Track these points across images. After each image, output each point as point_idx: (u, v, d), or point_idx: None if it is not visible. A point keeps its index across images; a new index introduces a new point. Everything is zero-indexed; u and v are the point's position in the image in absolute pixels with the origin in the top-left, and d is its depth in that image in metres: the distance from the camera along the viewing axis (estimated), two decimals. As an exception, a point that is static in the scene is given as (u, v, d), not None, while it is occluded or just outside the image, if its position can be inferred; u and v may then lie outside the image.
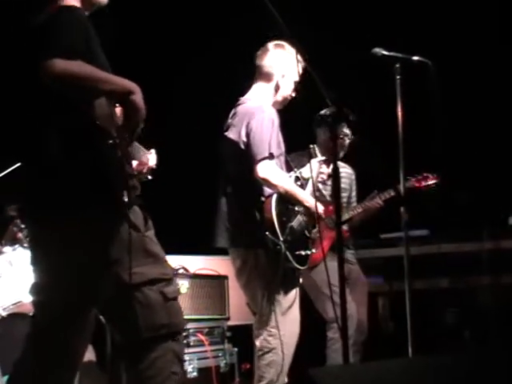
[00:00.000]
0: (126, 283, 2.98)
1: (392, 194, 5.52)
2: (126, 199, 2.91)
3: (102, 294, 3.07)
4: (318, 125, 5.60)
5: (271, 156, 4.21)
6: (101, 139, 2.89)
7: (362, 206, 5.64)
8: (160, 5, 6.84)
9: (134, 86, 3.01)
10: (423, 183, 5.54)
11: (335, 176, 3.34)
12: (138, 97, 3.00)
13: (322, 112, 5.56)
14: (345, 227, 5.47)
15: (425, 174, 5.56)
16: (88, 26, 3.04)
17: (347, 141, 5.54)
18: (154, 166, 3.72)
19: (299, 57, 3.85)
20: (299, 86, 4.40)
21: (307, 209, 4.29)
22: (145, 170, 3.66)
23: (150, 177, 3.76)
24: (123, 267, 2.98)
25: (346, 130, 5.50)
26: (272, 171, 4.17)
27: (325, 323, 5.37)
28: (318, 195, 4.51)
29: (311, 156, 4.76)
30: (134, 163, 3.46)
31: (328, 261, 4.58)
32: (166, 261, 3.19)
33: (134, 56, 6.90)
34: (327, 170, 4.54)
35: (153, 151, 3.77)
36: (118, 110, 3.06)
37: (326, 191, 5.41)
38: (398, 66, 4.11)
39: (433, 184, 5.57)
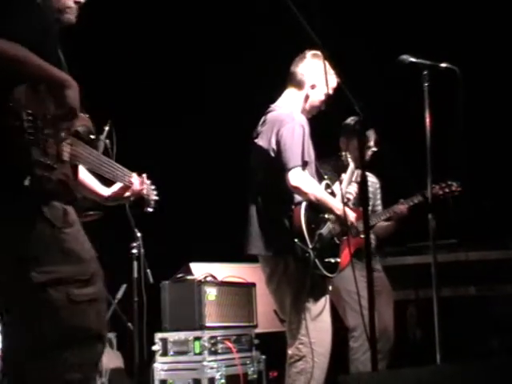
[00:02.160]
0: (31, 282, 2.81)
1: (417, 200, 5.51)
2: (27, 183, 2.73)
3: (8, 292, 2.92)
4: (344, 133, 5.60)
5: (304, 164, 4.23)
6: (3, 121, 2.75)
7: (385, 213, 5.64)
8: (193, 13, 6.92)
9: (70, 81, 2.89)
10: (447, 190, 5.52)
11: (363, 184, 3.35)
12: (72, 92, 2.87)
13: (348, 120, 5.56)
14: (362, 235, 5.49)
15: (449, 182, 5.55)
16: (48, 20, 2.97)
17: (369, 152, 5.54)
18: (142, 191, 3.65)
19: (330, 69, 3.86)
20: (330, 101, 4.41)
21: (338, 216, 4.29)
22: (128, 194, 3.57)
23: (150, 209, 3.75)
24: (31, 265, 2.82)
25: (370, 143, 5.51)
26: (303, 179, 4.18)
27: (348, 330, 5.36)
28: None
29: (343, 163, 4.77)
30: (117, 186, 3.51)
31: (350, 269, 4.61)
32: (88, 260, 2.94)
33: (167, 60, 6.98)
34: (355, 189, 4.53)
35: (144, 176, 3.70)
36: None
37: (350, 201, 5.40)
38: (425, 73, 4.10)
39: (456, 192, 5.55)
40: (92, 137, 3.13)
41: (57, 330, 2.83)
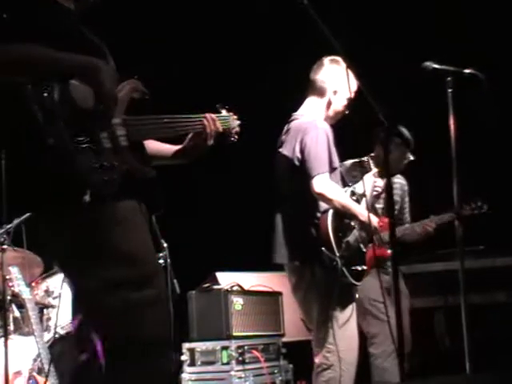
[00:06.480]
0: (85, 287, 2.69)
1: (446, 219, 5.45)
2: (88, 199, 2.56)
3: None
4: (375, 139, 5.56)
5: (330, 170, 4.23)
6: (41, 137, 2.56)
7: (411, 228, 5.58)
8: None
9: (96, 64, 2.70)
10: (476, 212, 5.49)
11: (388, 193, 3.34)
12: (104, 75, 2.69)
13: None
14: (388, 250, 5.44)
15: (479, 203, 5.50)
16: (50, 9, 2.76)
17: (405, 161, 5.52)
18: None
19: (351, 73, 3.84)
20: (352, 103, 4.40)
21: (362, 223, 4.28)
22: (204, 139, 3.20)
23: (233, 139, 3.39)
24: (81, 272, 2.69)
25: (409, 155, 5.47)
26: (328, 186, 4.17)
27: (365, 338, 5.31)
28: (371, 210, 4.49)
29: (365, 169, 4.75)
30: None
31: (371, 277, 4.59)
32: (141, 260, 2.71)
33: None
34: (382, 182, 4.52)
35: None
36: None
37: (379, 205, 5.37)
38: (449, 79, 4.07)
39: (486, 212, 5.52)
40: (147, 97, 2.92)
41: (114, 338, 2.66)
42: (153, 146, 3.11)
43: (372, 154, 4.94)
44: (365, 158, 4.92)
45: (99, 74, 2.68)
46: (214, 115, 3.26)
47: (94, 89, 2.68)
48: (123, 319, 2.64)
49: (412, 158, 5.49)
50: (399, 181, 5.70)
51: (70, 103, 2.64)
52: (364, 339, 5.19)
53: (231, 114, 3.41)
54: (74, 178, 2.58)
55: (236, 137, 3.41)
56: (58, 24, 2.74)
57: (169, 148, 3.25)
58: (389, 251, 5.00)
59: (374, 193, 4.53)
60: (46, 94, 2.60)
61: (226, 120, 3.35)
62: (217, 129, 3.23)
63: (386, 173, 3.40)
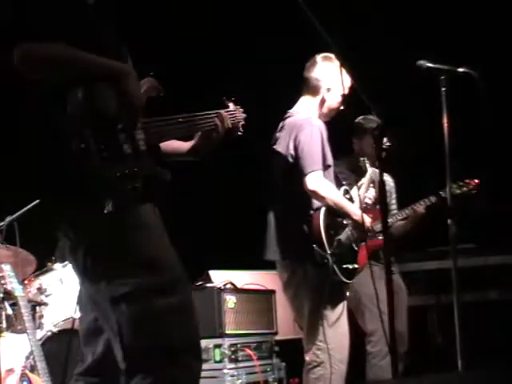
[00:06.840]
0: (110, 293, 2.65)
1: (434, 200, 5.48)
2: (112, 208, 2.56)
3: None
4: (356, 133, 5.58)
5: (326, 167, 4.23)
6: (65, 142, 2.56)
7: (402, 214, 5.60)
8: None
9: (123, 69, 2.69)
10: (465, 189, 5.50)
11: (381, 190, 3.34)
12: (127, 80, 2.67)
13: (359, 119, 5.52)
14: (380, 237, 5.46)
15: (466, 181, 5.52)
16: (75, 4, 2.69)
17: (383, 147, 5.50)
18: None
19: (344, 70, 3.84)
20: (347, 99, 4.40)
21: (355, 222, 4.28)
22: (215, 135, 3.17)
23: (239, 133, 3.36)
24: (105, 278, 2.65)
25: (384, 140, 5.46)
26: (321, 183, 4.18)
27: (364, 335, 5.32)
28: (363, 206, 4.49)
29: (361, 167, 4.76)
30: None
31: (368, 272, 4.59)
32: (165, 266, 2.70)
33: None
34: (373, 193, 4.52)
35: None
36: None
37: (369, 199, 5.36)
38: (443, 77, 4.07)
39: (475, 189, 5.52)
40: (162, 94, 2.89)
41: (138, 346, 2.61)
42: (164, 143, 3.08)
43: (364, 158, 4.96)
44: (361, 159, 4.92)
45: (126, 80, 2.67)
46: (223, 111, 3.24)
47: (120, 94, 2.66)
48: (148, 326, 2.61)
49: (389, 143, 5.47)
50: (385, 177, 5.70)
51: (95, 107, 2.62)
52: (359, 337, 5.20)
53: (238, 107, 3.40)
54: (99, 186, 2.57)
55: (241, 130, 3.39)
56: (86, 26, 2.71)
57: (180, 145, 3.23)
58: (380, 237, 4.99)
59: (363, 205, 4.51)
60: (70, 97, 2.59)
61: (233, 114, 3.33)
62: (227, 125, 3.22)
63: (379, 169, 3.40)
